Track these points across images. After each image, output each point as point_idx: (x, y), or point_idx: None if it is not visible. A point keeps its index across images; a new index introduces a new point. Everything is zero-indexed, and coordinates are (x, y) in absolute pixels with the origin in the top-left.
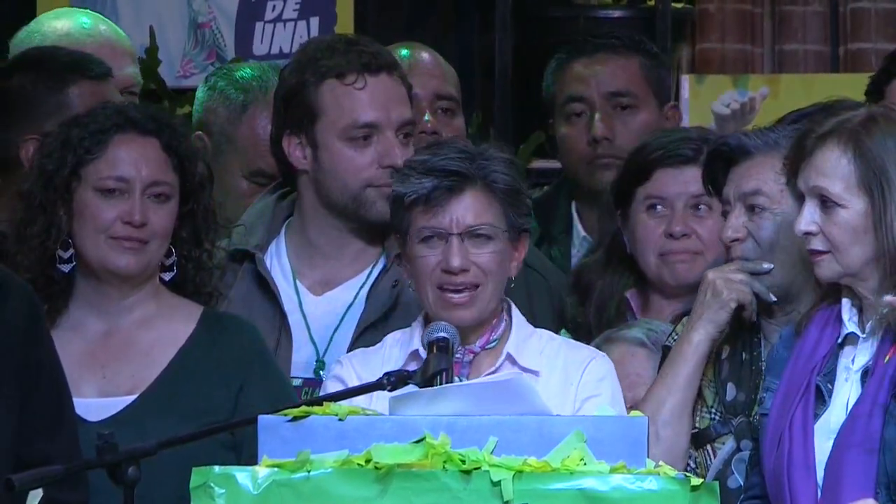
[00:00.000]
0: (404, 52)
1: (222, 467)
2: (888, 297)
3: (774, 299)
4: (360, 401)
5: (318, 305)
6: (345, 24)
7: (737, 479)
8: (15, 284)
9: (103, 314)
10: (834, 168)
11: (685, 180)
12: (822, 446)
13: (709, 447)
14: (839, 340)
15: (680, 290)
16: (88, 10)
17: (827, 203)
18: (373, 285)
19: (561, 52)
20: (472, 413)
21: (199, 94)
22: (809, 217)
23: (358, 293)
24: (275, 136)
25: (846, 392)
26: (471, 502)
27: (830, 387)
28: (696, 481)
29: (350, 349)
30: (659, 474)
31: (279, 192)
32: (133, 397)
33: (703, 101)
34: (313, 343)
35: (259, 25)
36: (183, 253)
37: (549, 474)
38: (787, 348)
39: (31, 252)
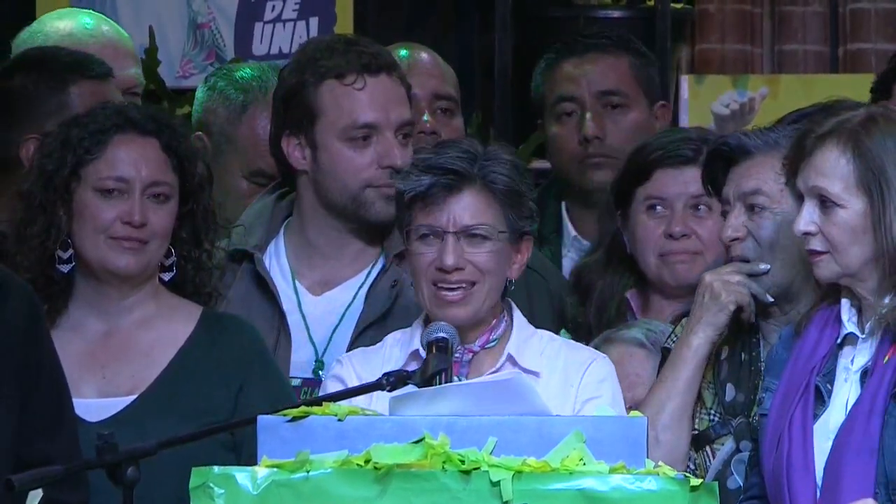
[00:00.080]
0: (403, 52)
1: (222, 467)
2: None
3: (771, 300)
4: (359, 401)
5: (317, 305)
6: (344, 24)
7: (736, 480)
8: (15, 284)
9: (103, 314)
10: (833, 168)
11: (685, 181)
12: (822, 447)
13: (708, 449)
14: (838, 341)
15: (680, 290)
16: (91, 11)
17: (826, 203)
18: (372, 285)
19: (550, 52)
20: (472, 413)
21: (199, 94)
22: (808, 217)
23: (357, 293)
24: (274, 136)
25: (845, 392)
26: (470, 502)
27: (830, 387)
28: (695, 482)
29: (349, 349)
30: (658, 474)
31: (278, 193)
32: (133, 397)
33: (702, 102)
34: (312, 343)
35: (258, 26)
36: (182, 253)
37: (549, 474)
38: (787, 349)
39: (30, 252)
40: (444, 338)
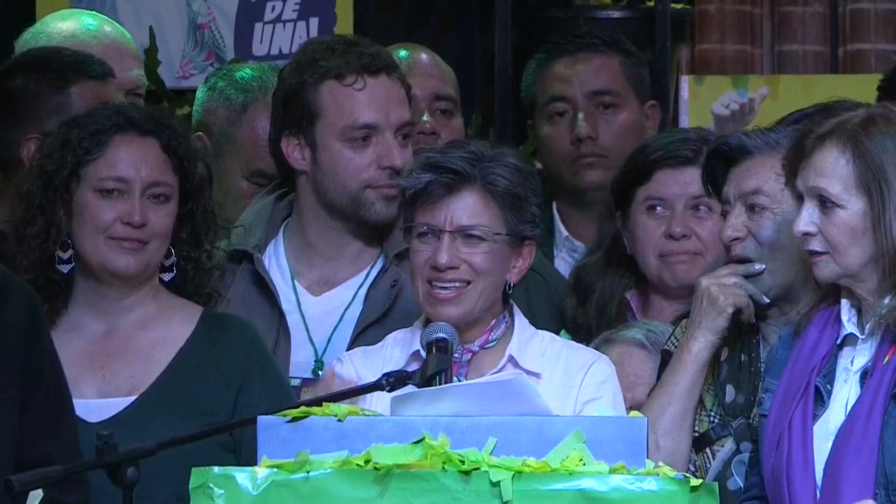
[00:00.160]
0: (403, 52)
1: (222, 468)
2: None
3: (768, 301)
4: (359, 401)
5: (317, 306)
6: (344, 24)
7: (736, 481)
8: (15, 285)
9: (103, 315)
10: (833, 168)
11: (685, 181)
12: (821, 447)
13: (708, 450)
14: (838, 341)
15: (680, 290)
16: (94, 12)
17: (826, 203)
18: (371, 285)
19: (540, 53)
20: (474, 413)
21: (199, 94)
22: (808, 218)
23: (356, 293)
24: (273, 136)
25: (845, 393)
26: (470, 503)
27: (829, 387)
28: (695, 482)
29: (349, 349)
30: (658, 475)
31: (278, 193)
32: (133, 398)
33: (702, 102)
34: (312, 343)
35: (258, 26)
36: (182, 253)
37: (549, 475)
38: (787, 349)
39: (30, 252)
40: (443, 338)
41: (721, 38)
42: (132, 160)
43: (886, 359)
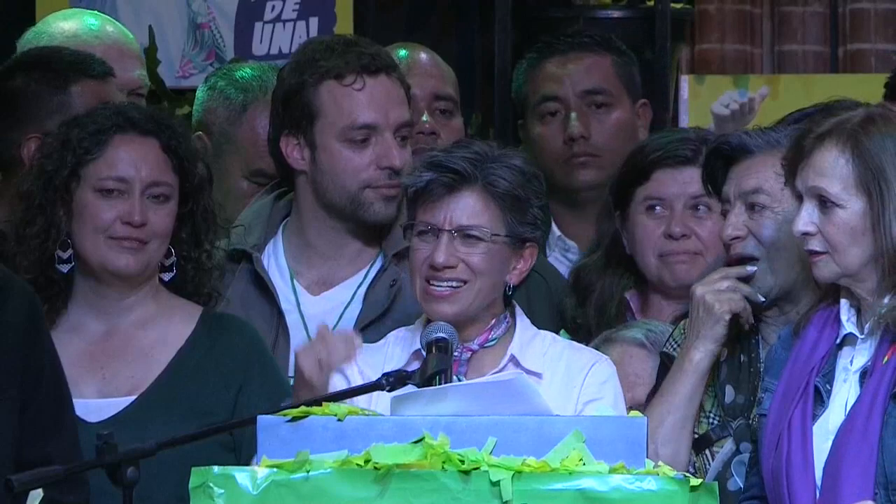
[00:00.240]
0: (402, 52)
1: (221, 467)
2: None
3: (763, 300)
4: (359, 401)
5: (316, 305)
6: (344, 24)
7: (736, 482)
8: (15, 285)
9: (103, 315)
10: (832, 168)
11: (684, 181)
12: (821, 447)
13: (708, 452)
14: (838, 341)
15: (680, 290)
16: (96, 12)
17: (825, 203)
18: (370, 285)
19: (531, 52)
20: (474, 413)
21: (199, 94)
22: (808, 217)
23: (355, 293)
24: (273, 136)
25: (845, 393)
26: (470, 502)
27: (829, 387)
28: (695, 482)
29: None
30: (658, 474)
31: (277, 192)
32: (132, 398)
33: (702, 102)
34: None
35: (258, 26)
36: (182, 253)
37: (549, 474)
38: (786, 349)
39: (30, 252)
40: (443, 338)
41: (721, 38)
42: (132, 160)
43: (886, 358)
